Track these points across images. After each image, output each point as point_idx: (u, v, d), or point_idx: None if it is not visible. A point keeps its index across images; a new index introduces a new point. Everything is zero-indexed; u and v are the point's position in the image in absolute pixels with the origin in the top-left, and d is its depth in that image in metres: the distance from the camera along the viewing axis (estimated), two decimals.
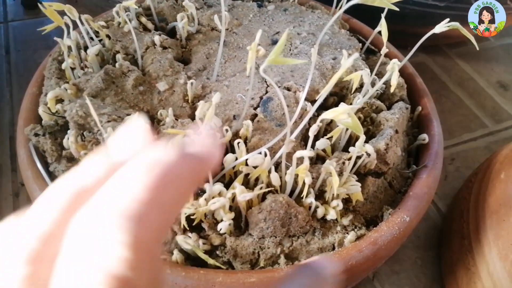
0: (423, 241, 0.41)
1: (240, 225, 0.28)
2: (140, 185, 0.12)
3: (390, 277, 0.39)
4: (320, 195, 0.29)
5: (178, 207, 0.14)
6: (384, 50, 0.31)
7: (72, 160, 0.31)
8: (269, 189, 0.28)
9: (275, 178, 0.27)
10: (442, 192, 0.43)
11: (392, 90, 0.29)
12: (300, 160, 0.27)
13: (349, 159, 0.29)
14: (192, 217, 0.27)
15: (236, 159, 0.28)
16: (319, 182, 0.29)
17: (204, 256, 0.26)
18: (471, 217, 0.36)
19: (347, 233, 0.28)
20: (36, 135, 0.31)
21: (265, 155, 0.27)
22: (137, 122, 0.15)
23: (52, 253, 0.12)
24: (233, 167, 0.28)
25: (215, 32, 0.39)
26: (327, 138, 0.30)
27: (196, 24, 0.39)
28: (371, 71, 0.34)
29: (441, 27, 0.32)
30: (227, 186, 0.28)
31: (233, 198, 0.27)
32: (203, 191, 0.27)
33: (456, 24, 0.32)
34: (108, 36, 0.38)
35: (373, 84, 0.33)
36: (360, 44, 0.39)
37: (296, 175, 0.28)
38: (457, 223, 0.38)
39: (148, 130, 0.14)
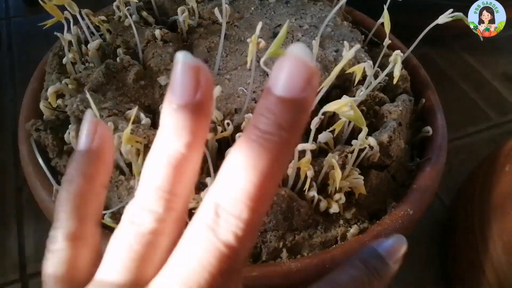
0: (427, 235, 0.41)
1: None
2: (257, 172, 0.13)
3: None
4: (323, 189, 0.29)
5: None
6: (386, 41, 0.30)
7: None
8: None
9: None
10: (446, 185, 0.43)
11: (395, 81, 0.29)
12: (302, 153, 0.27)
13: (352, 152, 0.29)
14: (193, 211, 0.26)
15: None
16: (321, 176, 0.29)
17: None
18: (475, 211, 0.36)
19: (350, 227, 0.28)
20: (37, 130, 0.31)
21: None
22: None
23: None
24: None
25: (216, 26, 0.38)
26: (330, 131, 0.30)
27: (197, 18, 0.39)
28: (374, 63, 0.34)
29: (445, 18, 0.32)
30: None
31: None
32: (205, 185, 0.27)
33: (460, 15, 0.32)
34: (108, 30, 0.38)
35: (376, 76, 0.33)
36: (363, 36, 0.39)
37: (298, 169, 0.27)
38: (461, 216, 0.38)
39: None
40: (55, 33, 0.34)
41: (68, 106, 0.30)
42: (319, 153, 0.31)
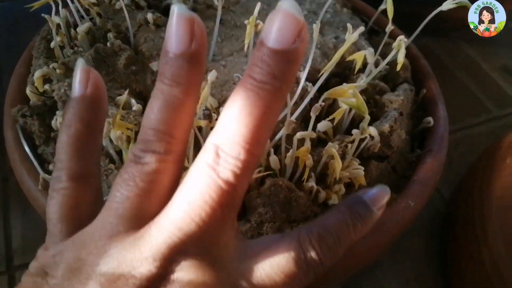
0: (426, 228, 0.40)
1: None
2: (252, 118, 0.15)
3: (393, 266, 0.38)
4: (322, 179, 0.28)
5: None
6: (389, 28, 0.29)
7: None
8: (268, 172, 0.26)
9: (274, 161, 0.26)
10: (446, 178, 0.42)
11: (398, 68, 0.28)
12: (301, 142, 0.26)
13: (352, 142, 0.28)
14: None
15: None
16: (320, 166, 0.28)
17: None
18: (476, 204, 0.35)
19: None
20: (24, 116, 0.30)
21: None
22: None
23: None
24: None
25: (212, 10, 0.37)
26: (329, 120, 0.29)
27: (191, 2, 0.37)
28: (375, 52, 0.33)
29: (448, 4, 0.31)
30: None
31: None
32: None
33: (464, 1, 0.31)
34: (99, 14, 0.36)
35: (376, 65, 0.32)
36: (363, 24, 0.37)
37: (297, 158, 0.26)
38: (461, 209, 0.37)
39: None
40: (42, 14, 0.33)
41: (55, 91, 0.29)
42: (318, 143, 0.30)
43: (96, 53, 0.31)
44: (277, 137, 0.26)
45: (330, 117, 0.29)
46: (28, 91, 0.31)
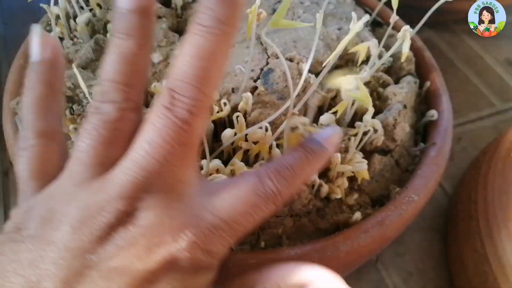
0: (428, 223, 0.40)
1: None
2: (203, 60, 0.17)
3: (394, 260, 0.37)
4: (324, 173, 0.28)
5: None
6: (393, 18, 0.29)
7: None
8: None
9: (277, 155, 0.26)
10: (448, 172, 0.41)
11: (403, 59, 0.27)
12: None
13: (355, 135, 0.28)
14: None
15: (235, 134, 0.26)
16: None
17: None
18: (479, 198, 0.35)
19: (352, 213, 0.27)
20: None
21: (266, 129, 0.25)
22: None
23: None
24: (232, 143, 0.27)
25: None
26: (332, 113, 0.28)
27: None
28: (378, 44, 0.32)
29: None
30: (225, 163, 0.26)
31: (232, 176, 0.26)
32: (201, 168, 0.26)
33: None
34: (98, 4, 0.36)
35: (380, 57, 0.31)
36: (367, 15, 0.37)
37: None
38: (464, 204, 0.37)
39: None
40: (41, 4, 0.32)
41: None
42: None
43: (96, 45, 0.31)
44: (279, 130, 0.25)
45: (333, 110, 0.28)
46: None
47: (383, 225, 0.26)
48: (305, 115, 0.30)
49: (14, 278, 0.15)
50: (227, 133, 0.26)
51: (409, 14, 0.36)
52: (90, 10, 0.36)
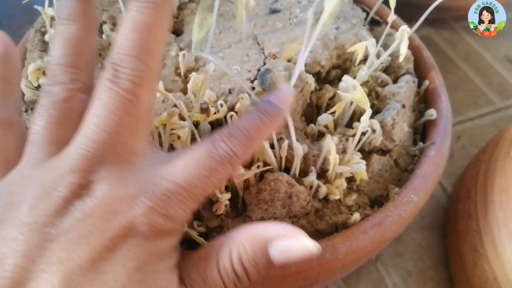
0: (427, 221, 0.40)
1: (237, 206, 0.26)
2: (141, 32, 0.18)
3: (394, 259, 0.37)
4: (322, 174, 0.28)
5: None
6: (391, 17, 0.28)
7: None
8: (267, 167, 0.26)
9: (271, 155, 0.25)
10: (448, 171, 0.41)
11: (401, 59, 0.27)
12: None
13: (353, 135, 0.28)
14: None
15: None
16: (320, 160, 0.27)
17: (199, 240, 0.24)
18: (479, 197, 0.35)
19: (351, 214, 0.26)
20: None
21: None
22: None
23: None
24: None
25: (209, 1, 0.36)
26: (330, 113, 0.28)
27: None
28: (376, 43, 0.32)
29: None
30: None
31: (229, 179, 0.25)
32: None
33: None
34: None
35: (378, 56, 0.31)
36: (365, 14, 0.37)
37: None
38: (463, 203, 0.37)
39: None
40: (35, 6, 0.32)
41: None
42: (318, 137, 0.30)
43: None
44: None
45: (331, 110, 0.28)
46: (22, 85, 0.31)
47: (382, 226, 0.26)
48: (303, 116, 0.30)
49: None
50: None
51: (407, 12, 0.36)
52: None
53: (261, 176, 0.26)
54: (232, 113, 0.26)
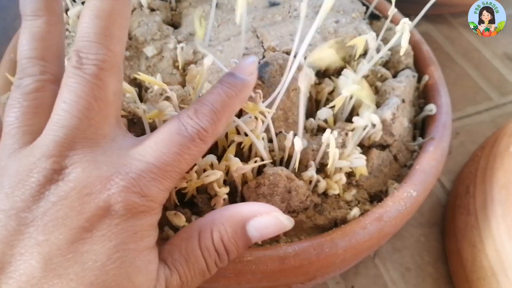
0: (426, 217, 0.40)
1: (236, 201, 0.26)
2: (101, 20, 0.19)
3: (392, 255, 0.37)
4: (322, 169, 0.27)
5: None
6: (392, 11, 0.28)
7: None
8: (266, 161, 0.26)
9: (261, 147, 0.25)
10: (446, 167, 0.41)
11: (402, 52, 0.27)
12: None
13: (353, 130, 0.27)
14: (183, 191, 0.24)
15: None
16: (319, 155, 0.27)
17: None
18: (477, 193, 0.35)
19: (350, 209, 0.26)
20: None
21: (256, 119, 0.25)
22: None
23: None
24: (226, 139, 0.26)
25: None
26: (330, 108, 0.28)
27: None
28: (376, 37, 0.32)
29: None
30: (219, 158, 0.25)
31: (227, 172, 0.25)
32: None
33: None
34: None
35: (378, 50, 0.31)
36: (364, 8, 0.36)
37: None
38: (462, 199, 0.36)
39: None
40: None
41: None
42: (317, 131, 0.29)
43: None
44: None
45: (330, 104, 0.28)
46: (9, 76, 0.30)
47: (382, 221, 0.25)
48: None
49: None
50: None
51: (406, 7, 0.35)
52: (82, 3, 0.36)
53: (260, 171, 0.26)
54: None
